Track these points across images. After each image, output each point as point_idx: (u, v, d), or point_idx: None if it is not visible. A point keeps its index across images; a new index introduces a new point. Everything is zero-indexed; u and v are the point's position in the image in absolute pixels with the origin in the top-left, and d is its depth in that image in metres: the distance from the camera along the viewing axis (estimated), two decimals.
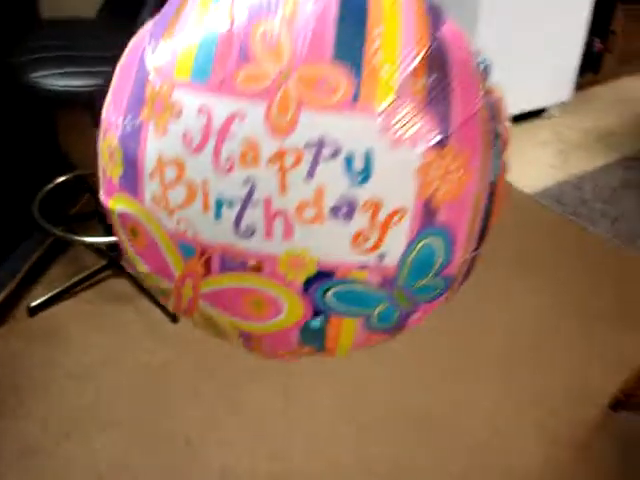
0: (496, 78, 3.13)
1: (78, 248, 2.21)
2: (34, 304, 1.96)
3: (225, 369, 1.83)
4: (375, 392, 1.82)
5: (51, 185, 2.19)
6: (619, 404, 1.81)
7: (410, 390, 1.84)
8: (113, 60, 1.78)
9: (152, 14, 1.64)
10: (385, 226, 0.67)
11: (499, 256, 2.36)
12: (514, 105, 3.33)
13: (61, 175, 2.25)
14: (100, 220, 2.15)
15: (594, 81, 3.91)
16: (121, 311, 2.00)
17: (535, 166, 3.08)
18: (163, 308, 1.98)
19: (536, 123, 3.48)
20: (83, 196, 2.40)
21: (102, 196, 0.82)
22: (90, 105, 1.79)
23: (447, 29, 0.72)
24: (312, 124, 0.65)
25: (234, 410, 1.73)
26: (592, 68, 3.85)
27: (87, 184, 2.30)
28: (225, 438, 1.66)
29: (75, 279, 2.06)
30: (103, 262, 2.13)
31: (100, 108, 2.01)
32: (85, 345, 1.89)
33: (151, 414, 1.70)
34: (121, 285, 2.08)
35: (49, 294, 1.99)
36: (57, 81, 1.73)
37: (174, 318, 1.96)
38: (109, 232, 2.20)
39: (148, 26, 0.78)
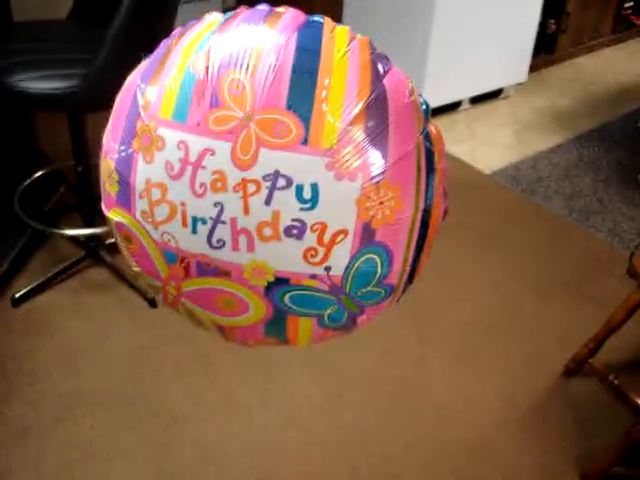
0: (453, 61, 3.27)
1: (57, 239, 2.29)
2: (18, 295, 2.04)
3: (202, 346, 1.96)
4: (347, 361, 1.97)
5: (30, 179, 2.28)
6: (571, 371, 1.97)
7: (378, 358, 2.00)
8: (85, 63, 1.88)
9: (126, 23, 1.72)
10: (330, 244, 0.81)
11: (459, 234, 2.50)
12: (471, 87, 3.46)
13: (38, 169, 2.34)
14: (79, 211, 2.24)
15: (549, 61, 4.02)
16: (101, 298, 2.11)
17: (492, 146, 3.20)
18: (141, 294, 2.10)
19: (493, 104, 3.58)
20: (60, 189, 2.48)
21: (103, 207, 0.95)
22: (65, 106, 1.89)
23: (390, 76, 0.85)
24: (269, 160, 0.79)
25: (214, 386, 1.86)
26: (547, 49, 3.98)
27: (64, 177, 2.39)
28: (207, 413, 1.79)
29: (56, 270, 2.13)
30: (82, 252, 2.21)
31: (74, 108, 2.10)
32: (68, 332, 1.99)
33: (135, 394, 1.82)
34: (100, 274, 2.18)
35: (32, 285, 2.07)
36: (34, 84, 1.79)
37: (152, 303, 2.08)
38: (87, 223, 2.31)
39: (141, 67, 0.91)
